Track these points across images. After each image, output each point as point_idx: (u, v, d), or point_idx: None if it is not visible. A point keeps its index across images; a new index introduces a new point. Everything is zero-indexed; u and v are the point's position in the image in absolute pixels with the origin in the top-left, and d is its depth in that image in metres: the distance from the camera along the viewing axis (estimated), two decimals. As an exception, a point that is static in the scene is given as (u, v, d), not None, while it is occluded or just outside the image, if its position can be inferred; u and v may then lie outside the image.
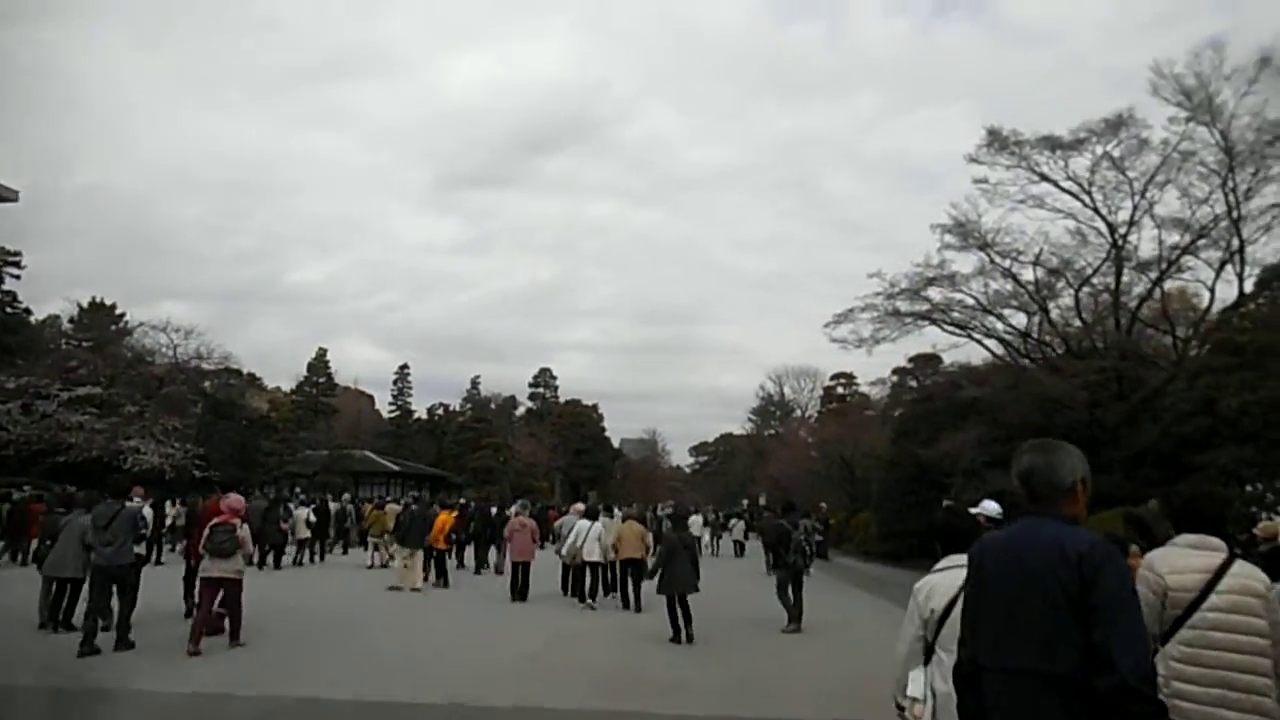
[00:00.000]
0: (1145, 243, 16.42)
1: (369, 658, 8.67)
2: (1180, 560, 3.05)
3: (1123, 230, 15.99)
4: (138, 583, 8.87)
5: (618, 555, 12.86)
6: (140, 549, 9.43)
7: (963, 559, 2.54)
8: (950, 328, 17.96)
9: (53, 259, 79.82)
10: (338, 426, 58.27)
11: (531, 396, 79.21)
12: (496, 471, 58.91)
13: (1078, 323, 16.63)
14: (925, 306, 18.02)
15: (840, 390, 59.44)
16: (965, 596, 2.43)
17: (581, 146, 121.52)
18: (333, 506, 23.93)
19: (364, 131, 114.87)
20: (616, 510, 17.37)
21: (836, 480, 38.43)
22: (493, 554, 18.26)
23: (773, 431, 68.53)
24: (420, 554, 14.93)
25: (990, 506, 5.33)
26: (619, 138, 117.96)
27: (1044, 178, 16.90)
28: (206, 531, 8.91)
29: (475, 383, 76.50)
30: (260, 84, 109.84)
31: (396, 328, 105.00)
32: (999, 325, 17.97)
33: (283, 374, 67.32)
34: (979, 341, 17.83)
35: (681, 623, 9.86)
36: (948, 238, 17.40)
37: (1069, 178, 16.67)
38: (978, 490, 20.22)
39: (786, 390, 69.96)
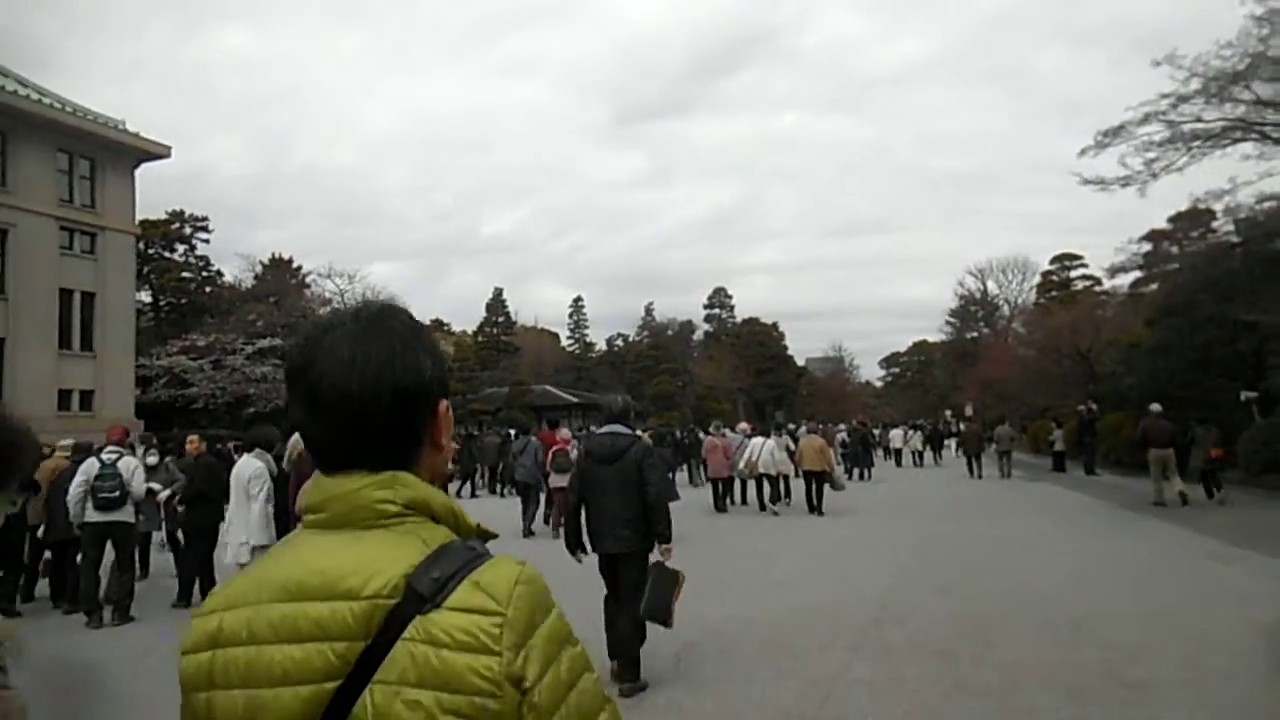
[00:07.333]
0: None
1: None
2: None
3: None
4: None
5: (800, 467, 14.33)
6: None
7: None
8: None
9: (278, 237, 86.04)
10: (521, 365, 58.68)
11: (707, 319, 76.36)
12: (676, 396, 56.99)
13: None
14: (1238, 110, 12.06)
15: (1060, 275, 51.41)
16: None
17: (758, 62, 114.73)
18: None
19: (546, 78, 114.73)
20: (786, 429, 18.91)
21: (1071, 379, 32.26)
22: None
23: (975, 334, 61.12)
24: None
25: None
26: (797, 46, 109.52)
27: None
28: (550, 455, 12.34)
29: (649, 310, 74.72)
30: (446, 44, 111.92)
31: (584, 267, 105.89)
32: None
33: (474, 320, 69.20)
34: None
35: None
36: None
37: None
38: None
39: (991, 286, 61.53)
